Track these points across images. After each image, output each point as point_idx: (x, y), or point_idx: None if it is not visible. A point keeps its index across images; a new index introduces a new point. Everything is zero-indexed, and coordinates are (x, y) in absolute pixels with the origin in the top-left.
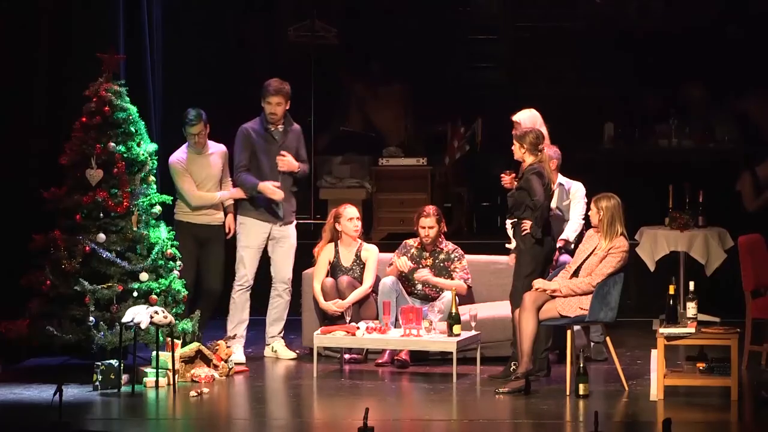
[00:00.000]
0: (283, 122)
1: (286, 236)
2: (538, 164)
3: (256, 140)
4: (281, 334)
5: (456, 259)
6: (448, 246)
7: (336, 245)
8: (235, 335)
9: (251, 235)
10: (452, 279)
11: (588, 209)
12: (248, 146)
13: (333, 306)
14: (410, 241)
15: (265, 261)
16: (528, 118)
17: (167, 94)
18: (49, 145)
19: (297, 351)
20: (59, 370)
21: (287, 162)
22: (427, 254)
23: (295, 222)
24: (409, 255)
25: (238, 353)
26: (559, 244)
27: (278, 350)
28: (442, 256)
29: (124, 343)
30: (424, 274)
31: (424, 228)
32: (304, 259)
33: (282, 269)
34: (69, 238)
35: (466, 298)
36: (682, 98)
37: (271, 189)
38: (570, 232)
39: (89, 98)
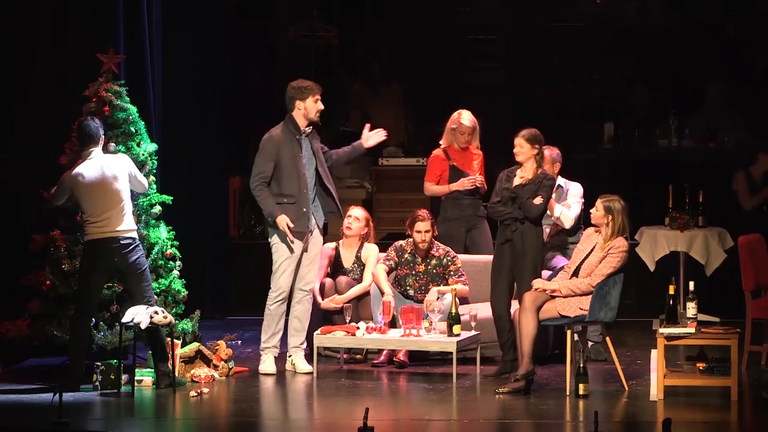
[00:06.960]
0: None
1: (317, 243)
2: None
3: (286, 147)
4: (303, 345)
5: (450, 263)
6: (439, 250)
7: (338, 245)
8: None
9: (289, 244)
10: (447, 284)
11: (581, 209)
12: (274, 155)
13: (331, 303)
14: (402, 244)
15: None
16: (468, 118)
17: (167, 94)
18: (49, 145)
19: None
20: (59, 370)
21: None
22: (420, 260)
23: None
24: (402, 260)
25: (268, 363)
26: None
27: (296, 363)
28: (434, 262)
29: (124, 343)
30: (431, 299)
31: (420, 233)
32: None
33: (309, 273)
34: (69, 238)
35: (465, 298)
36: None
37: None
38: (565, 219)
39: (89, 98)
